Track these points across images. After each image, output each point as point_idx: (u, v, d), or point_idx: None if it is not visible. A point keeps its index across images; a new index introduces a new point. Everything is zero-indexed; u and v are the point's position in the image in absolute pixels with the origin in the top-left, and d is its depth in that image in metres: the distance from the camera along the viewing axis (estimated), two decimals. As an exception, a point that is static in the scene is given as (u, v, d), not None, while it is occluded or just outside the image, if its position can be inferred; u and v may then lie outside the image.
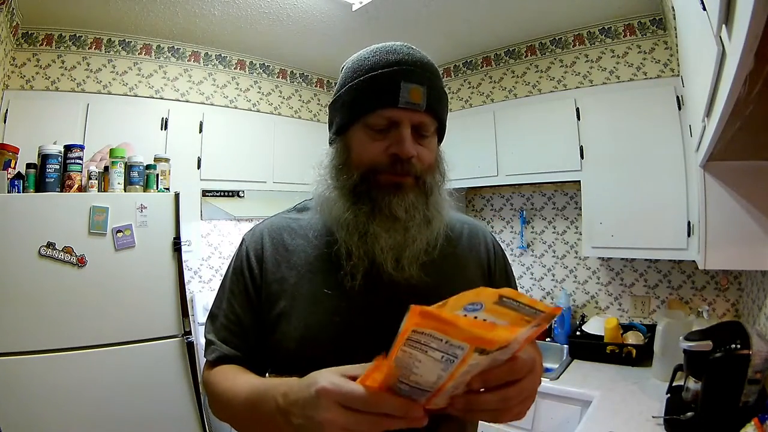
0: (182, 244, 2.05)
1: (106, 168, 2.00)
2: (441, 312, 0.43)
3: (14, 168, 1.86)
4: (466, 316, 0.46)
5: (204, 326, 0.83)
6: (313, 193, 0.79)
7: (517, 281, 0.87)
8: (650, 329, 2.14)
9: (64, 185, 1.88)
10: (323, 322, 0.70)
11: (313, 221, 0.79)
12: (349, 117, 0.73)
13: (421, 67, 0.72)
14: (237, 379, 0.69)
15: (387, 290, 0.70)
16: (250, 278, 0.76)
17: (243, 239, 0.82)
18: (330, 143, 0.80)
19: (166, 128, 2.40)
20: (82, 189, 1.92)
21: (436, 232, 0.74)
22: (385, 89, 0.70)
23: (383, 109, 0.70)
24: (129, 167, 2.01)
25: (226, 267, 0.83)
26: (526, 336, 0.47)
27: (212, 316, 0.80)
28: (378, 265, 0.70)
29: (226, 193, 2.64)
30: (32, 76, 2.23)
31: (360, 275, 0.70)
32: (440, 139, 0.80)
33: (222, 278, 0.83)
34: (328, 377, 0.50)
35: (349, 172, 0.73)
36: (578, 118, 2.25)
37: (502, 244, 2.87)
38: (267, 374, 0.77)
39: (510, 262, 0.91)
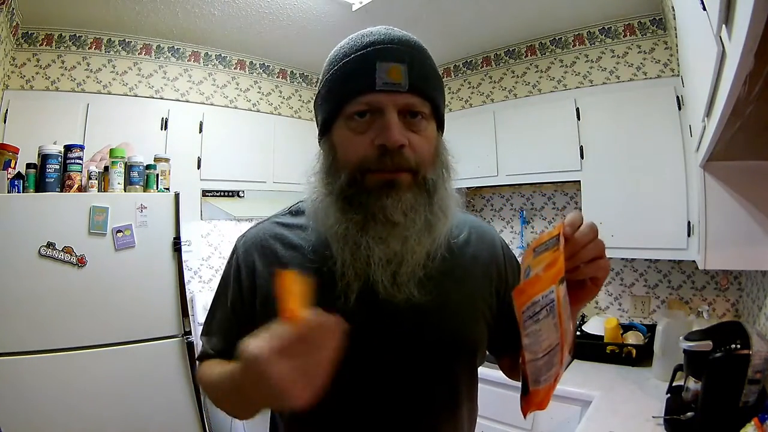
0: (182, 244, 2.05)
1: (106, 168, 2.00)
2: (528, 282, 0.52)
3: (14, 168, 1.86)
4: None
5: (201, 329, 0.83)
6: (307, 201, 0.72)
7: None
8: (650, 329, 2.14)
9: (64, 185, 1.88)
10: None
11: (308, 231, 0.72)
12: (329, 112, 0.66)
13: (400, 43, 0.64)
14: (221, 369, 0.68)
15: (383, 312, 0.65)
16: (239, 291, 0.73)
17: (235, 247, 0.77)
18: (319, 145, 0.73)
19: (166, 128, 2.40)
20: (82, 189, 1.92)
21: (437, 239, 0.66)
22: (359, 73, 0.62)
23: (360, 94, 0.62)
24: (129, 167, 2.01)
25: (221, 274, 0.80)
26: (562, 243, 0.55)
27: (207, 325, 0.80)
28: (373, 283, 0.63)
29: (226, 193, 2.64)
30: (32, 76, 2.23)
31: (354, 296, 0.64)
32: (440, 127, 0.70)
33: (217, 285, 0.80)
34: (254, 343, 0.49)
35: (336, 175, 0.65)
36: (578, 118, 2.25)
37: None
38: None
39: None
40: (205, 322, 0.81)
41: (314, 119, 0.73)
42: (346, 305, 0.63)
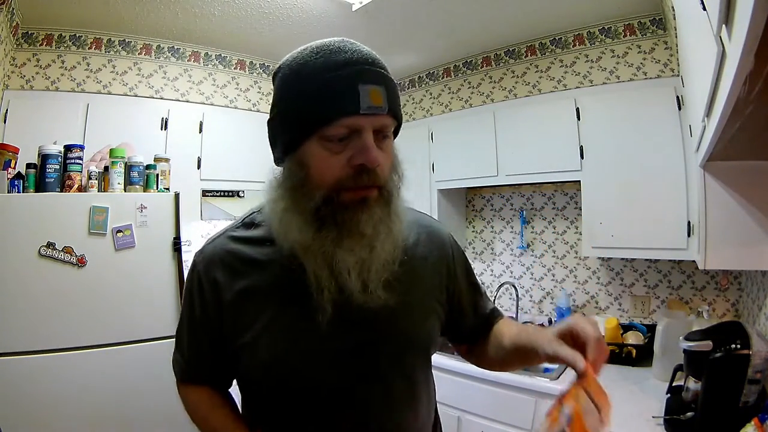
0: (182, 244, 2.05)
1: (106, 168, 2.00)
2: None
3: (14, 168, 1.86)
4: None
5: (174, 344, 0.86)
6: (267, 216, 0.71)
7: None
8: (650, 329, 2.13)
9: (64, 185, 1.88)
10: (292, 352, 0.68)
11: (266, 245, 0.72)
12: (300, 131, 0.64)
13: (373, 63, 0.65)
14: (209, 416, 0.78)
15: (356, 315, 0.68)
16: (202, 305, 0.74)
17: (194, 263, 0.76)
18: (277, 163, 0.72)
19: (166, 128, 2.40)
20: (82, 189, 1.93)
21: (397, 241, 0.70)
22: (342, 95, 0.61)
23: (343, 117, 0.61)
24: (129, 167, 2.01)
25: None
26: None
27: (178, 342, 0.83)
28: (347, 291, 0.66)
29: (226, 193, 2.64)
30: (32, 76, 2.23)
31: (330, 305, 0.66)
32: (395, 136, 0.74)
33: (182, 302, 0.81)
34: None
35: (309, 194, 0.65)
36: (578, 118, 2.25)
37: (501, 244, 2.88)
38: (236, 387, 0.81)
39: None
40: (175, 339, 0.85)
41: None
42: (323, 314, 0.66)
